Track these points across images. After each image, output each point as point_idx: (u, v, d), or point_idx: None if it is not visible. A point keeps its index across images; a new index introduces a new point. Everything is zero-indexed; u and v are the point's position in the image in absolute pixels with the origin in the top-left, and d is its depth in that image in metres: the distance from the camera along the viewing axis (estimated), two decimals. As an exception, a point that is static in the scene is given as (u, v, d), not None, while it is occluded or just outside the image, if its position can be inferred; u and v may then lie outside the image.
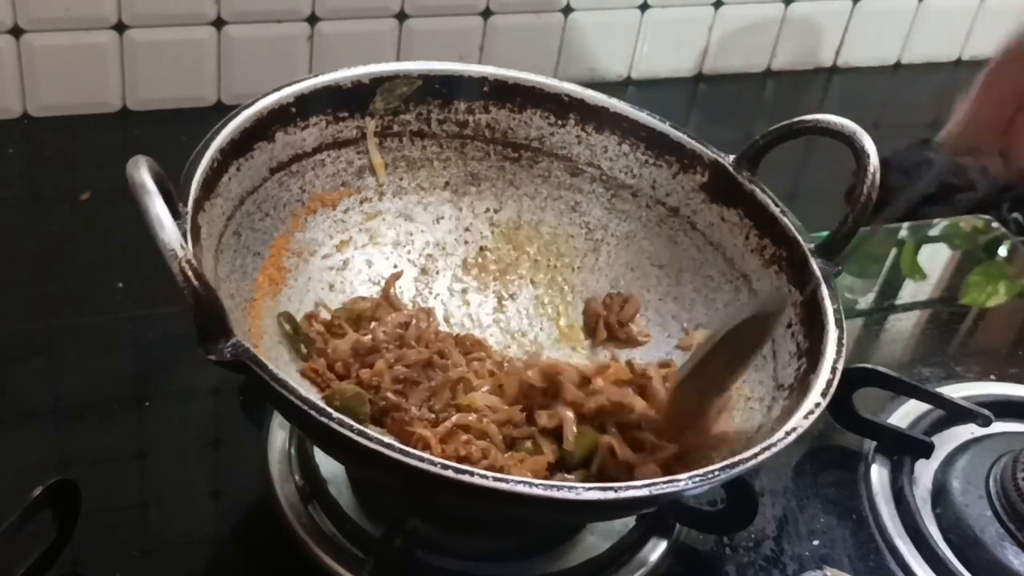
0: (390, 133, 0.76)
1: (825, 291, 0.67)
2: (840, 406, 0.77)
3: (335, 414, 0.53)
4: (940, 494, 0.76)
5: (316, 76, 0.72)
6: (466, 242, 0.79)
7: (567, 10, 1.09)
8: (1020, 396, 0.85)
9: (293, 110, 0.71)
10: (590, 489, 0.54)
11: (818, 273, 0.68)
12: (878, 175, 0.67)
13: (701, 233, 0.76)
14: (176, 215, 0.57)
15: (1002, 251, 1.03)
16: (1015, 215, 1.06)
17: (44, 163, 0.97)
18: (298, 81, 0.71)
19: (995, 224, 1.05)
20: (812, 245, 0.70)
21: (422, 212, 0.79)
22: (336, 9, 1.01)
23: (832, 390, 0.61)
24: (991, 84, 0.61)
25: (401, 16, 1.04)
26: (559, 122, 0.78)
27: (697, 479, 0.55)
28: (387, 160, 0.77)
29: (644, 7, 1.12)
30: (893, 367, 0.80)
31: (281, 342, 0.69)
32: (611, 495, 0.54)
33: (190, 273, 0.52)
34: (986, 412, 0.77)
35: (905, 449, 0.77)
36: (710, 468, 0.56)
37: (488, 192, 0.79)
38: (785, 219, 0.71)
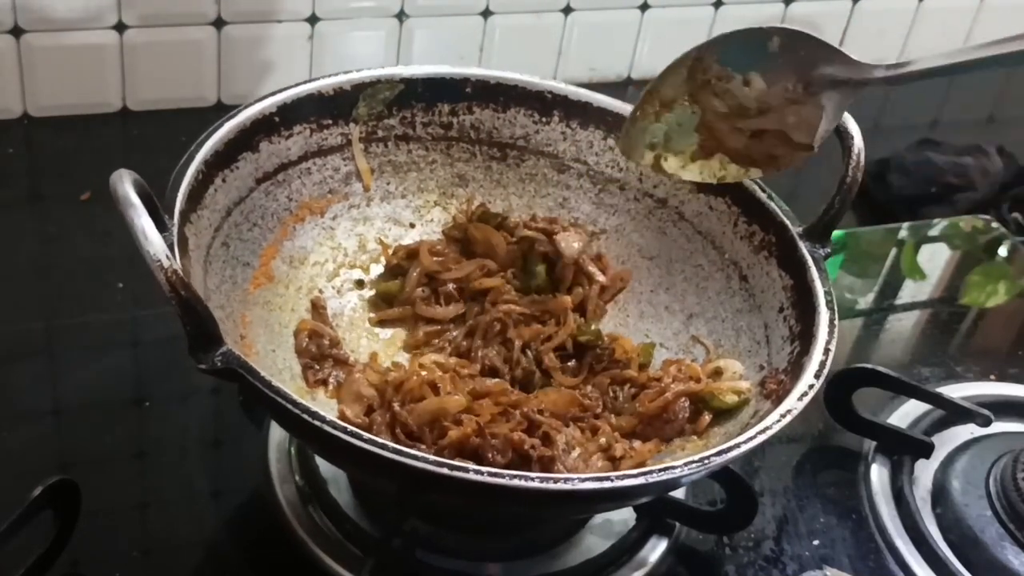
0: (375, 138, 0.76)
1: (816, 274, 0.67)
2: (840, 406, 0.78)
3: (329, 417, 0.53)
4: (940, 494, 0.76)
5: (298, 85, 0.72)
6: None
7: (567, 10, 1.09)
8: (1020, 396, 0.85)
9: (276, 119, 0.71)
10: (586, 480, 0.54)
11: (808, 256, 0.68)
12: (863, 156, 0.67)
13: (690, 223, 0.76)
14: (163, 227, 0.57)
15: (1002, 251, 1.03)
16: (1015, 215, 1.06)
17: (44, 163, 0.97)
18: (281, 90, 0.71)
19: (995, 224, 1.04)
20: (800, 229, 0.70)
21: (411, 215, 0.79)
22: (336, 9, 1.01)
23: (825, 371, 0.61)
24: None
25: (401, 16, 1.04)
26: (543, 119, 0.78)
27: (694, 464, 0.55)
28: (373, 165, 0.77)
29: (644, 7, 1.12)
30: (893, 367, 0.80)
31: (276, 350, 0.69)
32: (607, 484, 0.54)
33: (177, 283, 0.52)
34: (986, 412, 0.77)
35: (905, 449, 0.77)
36: (705, 454, 0.56)
37: (476, 193, 0.79)
38: (772, 204, 0.72)
